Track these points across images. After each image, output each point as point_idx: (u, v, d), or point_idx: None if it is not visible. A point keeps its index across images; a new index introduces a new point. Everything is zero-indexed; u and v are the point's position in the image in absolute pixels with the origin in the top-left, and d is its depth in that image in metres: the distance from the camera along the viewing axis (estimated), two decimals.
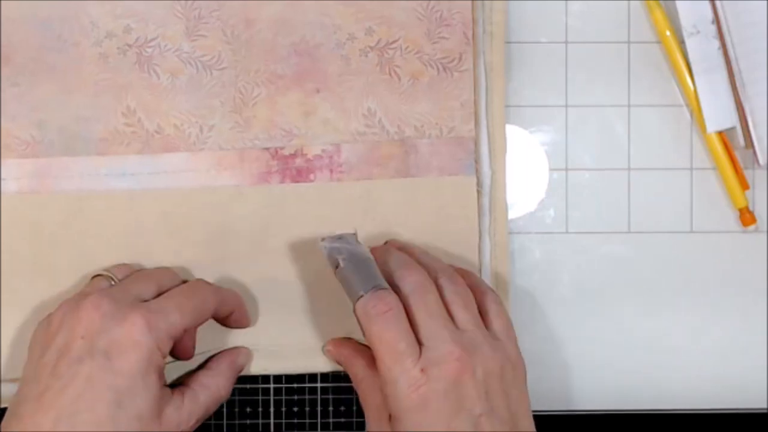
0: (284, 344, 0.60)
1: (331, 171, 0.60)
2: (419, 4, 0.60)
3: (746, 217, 0.61)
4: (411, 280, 0.54)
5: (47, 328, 0.53)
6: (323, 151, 0.60)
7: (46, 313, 0.56)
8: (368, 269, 0.55)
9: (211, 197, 0.59)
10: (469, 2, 0.59)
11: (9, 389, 0.59)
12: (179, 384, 0.56)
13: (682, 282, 0.62)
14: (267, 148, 0.60)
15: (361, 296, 0.53)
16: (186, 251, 0.59)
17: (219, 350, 0.59)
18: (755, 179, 0.62)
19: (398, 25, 0.60)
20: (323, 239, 0.57)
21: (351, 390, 0.61)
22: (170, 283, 0.57)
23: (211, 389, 0.56)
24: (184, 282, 0.58)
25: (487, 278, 0.60)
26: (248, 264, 0.60)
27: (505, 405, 0.53)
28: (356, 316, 0.54)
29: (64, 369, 0.51)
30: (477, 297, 0.56)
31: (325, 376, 0.61)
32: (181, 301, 0.54)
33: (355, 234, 0.58)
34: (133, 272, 0.58)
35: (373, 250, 0.57)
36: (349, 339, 0.60)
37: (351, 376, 0.58)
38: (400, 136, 0.60)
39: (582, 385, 0.62)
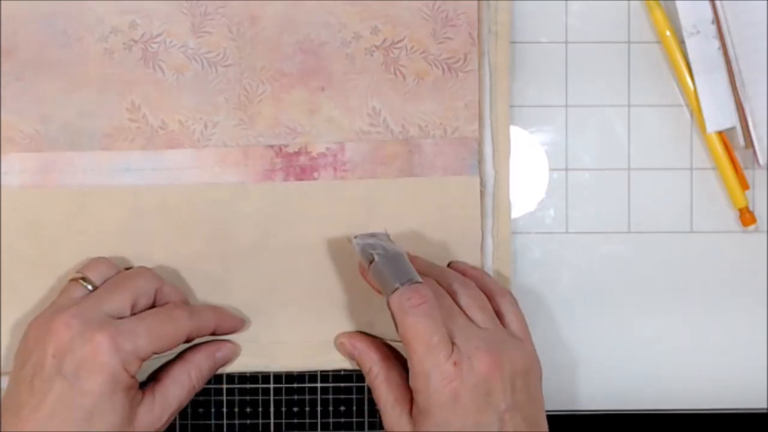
0: (285, 342, 0.60)
1: (335, 169, 0.60)
2: (425, 4, 0.60)
3: (746, 217, 0.62)
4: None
5: (25, 342, 0.54)
6: (327, 149, 0.60)
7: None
8: (402, 264, 0.55)
9: (214, 194, 0.59)
10: (475, 2, 0.60)
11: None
12: (152, 379, 0.57)
13: (682, 282, 0.63)
14: (271, 146, 0.60)
15: (396, 289, 0.53)
16: (189, 247, 0.59)
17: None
18: (755, 179, 0.63)
19: (403, 24, 0.60)
20: (356, 236, 0.57)
21: (351, 390, 0.61)
22: (147, 294, 0.57)
23: (183, 382, 0.56)
24: (167, 286, 0.58)
25: None
26: (251, 261, 0.60)
27: (527, 402, 0.53)
28: (390, 309, 0.54)
29: (38, 386, 0.52)
30: (492, 298, 0.57)
31: (325, 376, 0.61)
32: (152, 324, 0.54)
33: (387, 233, 0.58)
34: (111, 277, 0.57)
35: None
36: (362, 333, 0.60)
37: (364, 370, 0.58)
38: (404, 135, 0.60)
39: (581, 385, 0.62)
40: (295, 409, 0.61)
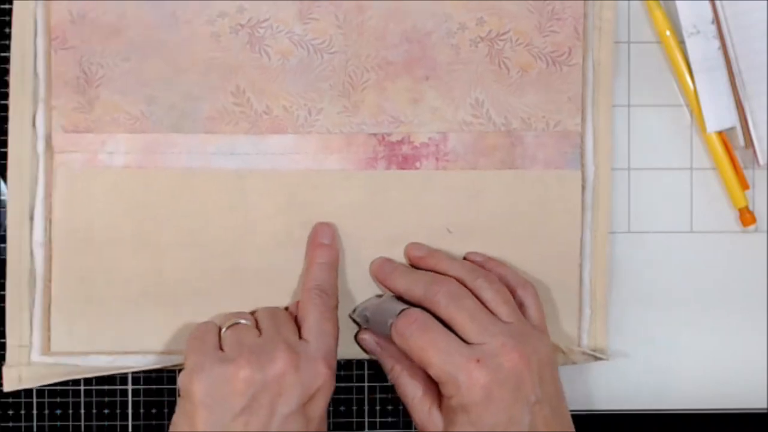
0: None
1: (437, 159, 0.60)
2: None
3: (746, 217, 0.61)
4: (444, 292, 0.55)
5: (232, 384, 0.53)
6: (430, 139, 0.60)
7: (148, 287, 0.58)
8: (391, 305, 0.57)
9: (317, 180, 0.60)
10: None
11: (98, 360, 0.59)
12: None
13: (682, 282, 0.62)
14: (374, 134, 0.60)
15: (391, 324, 0.55)
16: (289, 232, 0.60)
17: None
18: (755, 179, 0.62)
19: (509, 16, 0.60)
20: (354, 311, 0.60)
21: (351, 390, 0.61)
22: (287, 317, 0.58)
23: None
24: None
25: (587, 274, 0.61)
26: (351, 248, 0.60)
27: (555, 392, 0.54)
28: (397, 345, 0.55)
29: (274, 428, 0.52)
30: (513, 290, 0.58)
31: None
32: (328, 326, 0.56)
33: (379, 295, 0.60)
34: (260, 317, 0.58)
35: (394, 274, 0.58)
36: None
37: (386, 368, 0.58)
38: (506, 127, 0.60)
39: (580, 385, 0.62)
40: None
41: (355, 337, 0.60)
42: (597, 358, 0.60)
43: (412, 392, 0.56)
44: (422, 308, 0.55)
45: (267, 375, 0.52)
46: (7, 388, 0.59)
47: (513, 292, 0.57)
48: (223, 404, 0.52)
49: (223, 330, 0.56)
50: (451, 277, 0.57)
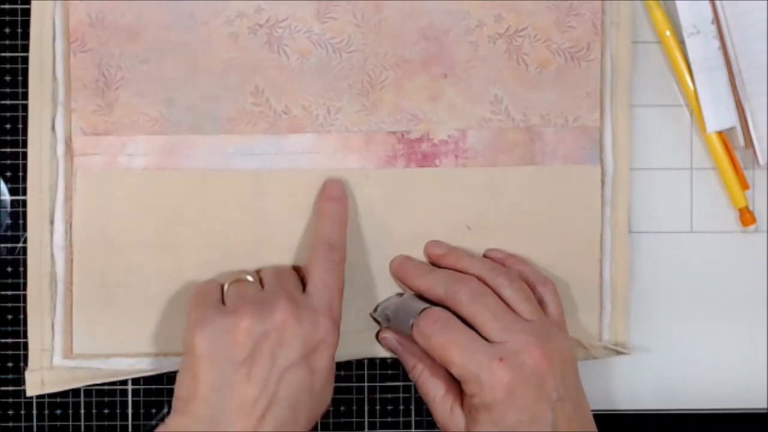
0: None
1: (456, 156, 0.60)
2: None
3: (746, 217, 0.61)
4: (465, 290, 0.55)
5: (233, 335, 0.53)
6: (449, 136, 0.60)
7: (169, 289, 0.58)
8: (412, 304, 0.57)
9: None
10: None
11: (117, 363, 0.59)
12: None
13: (682, 282, 0.62)
14: (393, 132, 0.60)
15: (412, 325, 0.55)
16: (311, 232, 0.59)
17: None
18: (755, 179, 0.62)
19: (527, 12, 0.60)
20: (375, 310, 0.60)
21: (351, 390, 0.61)
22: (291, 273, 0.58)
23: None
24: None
25: (607, 270, 0.61)
26: (372, 246, 0.60)
27: (575, 390, 0.54)
28: (419, 344, 0.55)
29: (276, 377, 0.52)
30: (533, 287, 0.58)
31: None
32: (332, 280, 0.56)
33: (400, 293, 0.60)
34: (264, 274, 0.58)
35: (414, 272, 0.58)
36: None
37: (408, 366, 0.58)
38: (525, 123, 0.60)
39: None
40: None
41: (377, 336, 0.60)
42: (619, 353, 0.60)
43: (434, 391, 0.56)
44: (443, 307, 0.55)
45: (267, 325, 0.52)
46: (30, 393, 0.59)
47: (533, 289, 0.57)
48: (225, 355, 0.52)
49: (226, 286, 0.56)
50: (471, 275, 0.57)
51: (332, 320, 0.54)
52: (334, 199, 0.58)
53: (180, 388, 0.53)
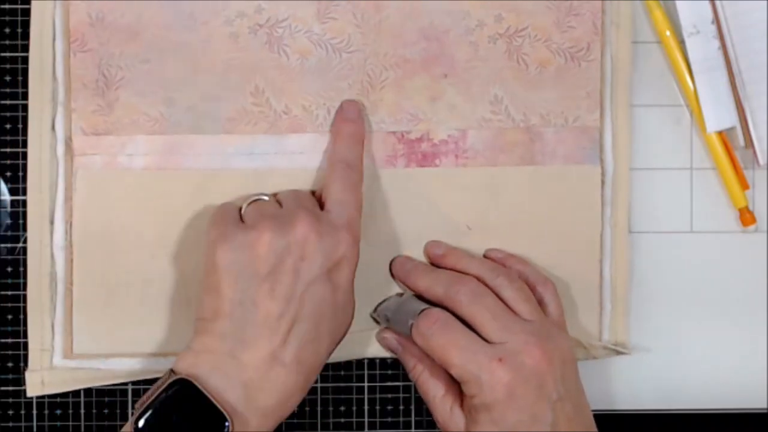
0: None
1: (457, 156, 0.60)
2: None
3: (746, 217, 0.61)
4: (465, 291, 0.55)
5: (255, 249, 0.52)
6: (449, 136, 0.60)
7: (169, 289, 0.58)
8: (412, 305, 0.57)
9: None
10: None
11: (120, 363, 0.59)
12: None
13: (682, 282, 0.62)
14: (393, 132, 0.60)
15: (411, 326, 0.55)
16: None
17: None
18: (755, 179, 0.62)
19: (527, 12, 0.60)
20: (374, 310, 0.59)
21: (351, 390, 0.61)
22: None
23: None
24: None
25: (607, 269, 0.61)
26: (371, 246, 0.60)
27: (575, 390, 0.54)
28: (419, 346, 0.55)
29: (300, 292, 0.52)
30: (533, 287, 0.58)
31: (324, 376, 0.61)
32: (351, 198, 0.56)
33: (399, 293, 0.60)
34: (281, 196, 0.58)
35: (414, 273, 0.58)
36: None
37: (408, 367, 0.58)
38: (525, 123, 0.60)
39: None
40: (296, 409, 0.59)
41: (377, 336, 0.60)
42: (619, 353, 0.60)
43: (434, 391, 0.56)
44: (443, 307, 0.55)
45: (289, 239, 0.52)
46: (30, 393, 0.59)
47: (533, 289, 0.57)
48: (248, 270, 0.52)
49: (244, 207, 0.56)
50: (471, 275, 0.57)
51: (353, 236, 0.54)
52: (350, 120, 0.59)
53: (202, 309, 0.53)
